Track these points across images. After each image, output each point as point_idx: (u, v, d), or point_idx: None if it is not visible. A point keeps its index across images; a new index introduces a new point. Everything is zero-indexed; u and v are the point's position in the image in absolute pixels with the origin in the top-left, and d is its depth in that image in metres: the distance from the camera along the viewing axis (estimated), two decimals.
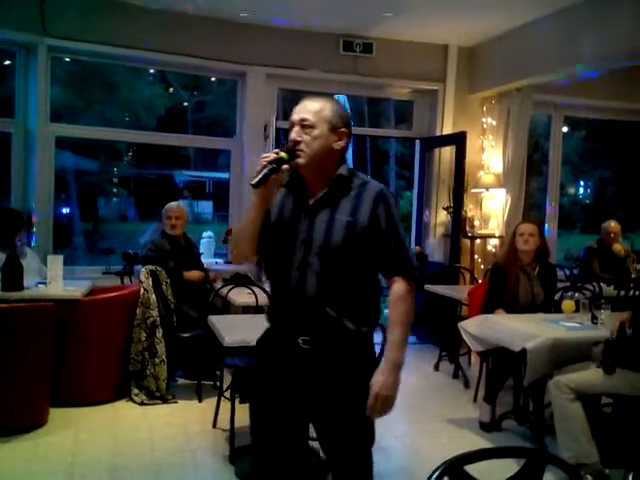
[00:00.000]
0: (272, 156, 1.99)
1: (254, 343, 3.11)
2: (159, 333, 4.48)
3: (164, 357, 4.48)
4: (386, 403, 1.99)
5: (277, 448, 2.10)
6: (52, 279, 4.32)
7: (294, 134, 2.04)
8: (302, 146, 2.02)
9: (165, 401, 4.46)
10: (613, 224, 6.18)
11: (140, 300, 4.48)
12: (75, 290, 4.34)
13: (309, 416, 2.11)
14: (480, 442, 3.91)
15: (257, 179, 1.97)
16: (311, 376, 2.03)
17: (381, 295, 2.14)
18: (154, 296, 4.52)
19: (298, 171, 2.07)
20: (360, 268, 2.04)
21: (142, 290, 4.49)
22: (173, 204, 5.18)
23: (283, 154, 2.00)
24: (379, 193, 2.05)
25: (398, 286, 2.04)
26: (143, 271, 4.59)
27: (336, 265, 2.00)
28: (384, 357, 2.04)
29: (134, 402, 4.41)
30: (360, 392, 2.00)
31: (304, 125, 2.03)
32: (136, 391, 4.46)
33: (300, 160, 2.03)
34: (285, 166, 2.01)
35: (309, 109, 2.05)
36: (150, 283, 4.53)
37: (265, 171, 1.97)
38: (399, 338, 2.02)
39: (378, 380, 1.99)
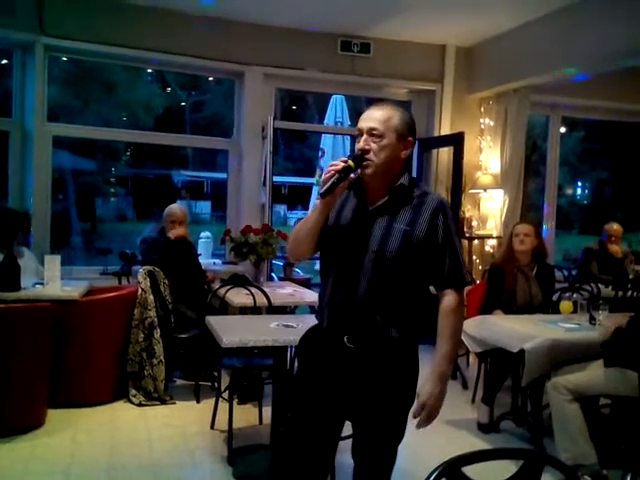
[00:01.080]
0: (340, 165, 2.02)
1: (252, 344, 3.13)
2: (157, 334, 4.47)
3: (162, 358, 4.48)
4: (432, 412, 2.06)
5: (312, 440, 2.15)
6: (49, 279, 4.31)
7: (362, 143, 2.07)
8: (370, 155, 2.05)
9: (163, 402, 4.45)
10: (615, 226, 6.18)
11: (138, 301, 4.47)
12: (73, 290, 4.33)
13: (347, 412, 2.16)
14: (478, 443, 3.91)
15: (325, 188, 2.02)
16: (353, 373, 2.08)
17: (429, 303, 2.17)
18: (152, 297, 4.51)
19: (363, 178, 2.10)
20: (412, 277, 2.08)
21: (140, 291, 4.49)
22: (175, 208, 5.09)
23: (351, 163, 2.03)
24: (438, 205, 2.08)
25: (449, 299, 2.08)
26: (141, 272, 4.57)
27: (388, 272, 2.04)
28: (432, 368, 2.08)
29: (132, 403, 4.41)
30: (398, 394, 2.08)
31: (373, 134, 2.05)
32: (134, 392, 4.45)
33: (368, 170, 2.06)
34: (352, 175, 2.05)
35: (377, 118, 2.07)
36: (148, 284, 4.53)
37: (333, 180, 2.01)
38: (448, 351, 2.08)
39: (426, 390, 2.05)
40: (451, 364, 2.10)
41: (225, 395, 3.92)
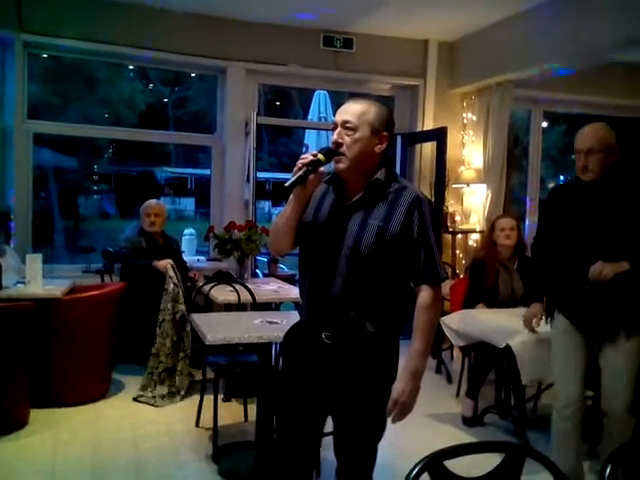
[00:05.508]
0: (309, 158, 2.02)
1: (236, 341, 3.13)
2: (188, 327, 4.44)
3: (189, 352, 4.46)
4: (404, 408, 2.05)
5: (298, 437, 2.19)
6: (31, 278, 4.28)
7: (336, 135, 2.07)
8: (343, 148, 2.04)
9: (182, 398, 4.43)
10: None
11: (170, 295, 4.45)
12: (55, 289, 4.30)
13: (328, 409, 2.17)
14: (463, 437, 3.93)
15: (291, 181, 2.01)
16: (332, 370, 2.09)
17: (407, 299, 2.16)
18: (182, 290, 4.51)
19: (338, 173, 2.10)
20: (387, 273, 2.07)
21: (172, 285, 4.47)
22: (152, 201, 5.18)
23: (321, 156, 2.02)
24: (414, 200, 2.06)
25: (424, 295, 2.08)
26: (169, 266, 4.58)
27: (363, 269, 2.03)
28: (405, 364, 2.08)
29: (147, 404, 4.38)
30: (376, 390, 2.08)
31: (346, 127, 2.05)
32: (152, 388, 4.43)
33: (341, 165, 2.06)
34: (322, 168, 2.04)
35: (352, 111, 2.06)
36: (179, 276, 4.55)
37: (300, 173, 2.01)
38: (421, 347, 2.07)
39: (397, 386, 2.05)
40: (424, 360, 2.08)
41: (210, 392, 3.91)
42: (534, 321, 3.33)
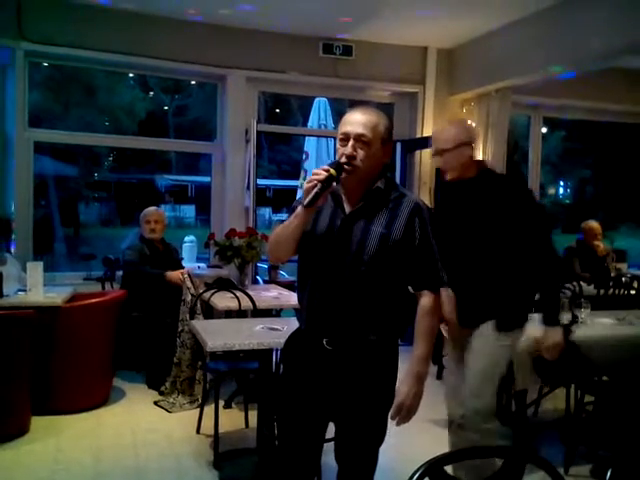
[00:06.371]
0: (323, 174, 2.00)
1: (237, 348, 3.13)
2: None
3: None
4: (409, 412, 2.08)
5: (299, 444, 2.19)
6: (32, 286, 4.28)
7: (350, 149, 2.04)
8: (357, 162, 2.04)
9: (200, 406, 4.38)
10: (591, 224, 6.25)
11: (189, 306, 4.48)
12: (56, 297, 4.30)
13: (330, 415, 2.18)
14: None
15: (309, 199, 2.00)
16: (333, 375, 2.10)
17: (408, 305, 2.17)
18: (199, 300, 4.54)
19: (342, 183, 2.09)
20: (389, 279, 2.08)
21: (189, 296, 4.51)
22: (151, 208, 5.20)
23: (333, 171, 2.01)
24: (415, 207, 2.08)
25: (425, 300, 2.10)
26: (186, 276, 4.62)
27: (366, 275, 2.04)
28: (408, 369, 2.10)
29: (164, 409, 4.40)
30: (377, 396, 2.10)
31: (361, 140, 2.04)
32: (175, 395, 4.47)
33: (351, 176, 2.05)
34: (334, 184, 2.03)
35: (365, 124, 2.04)
36: (196, 286, 4.59)
37: (316, 190, 2.00)
38: (423, 351, 2.09)
39: (402, 391, 2.07)
40: (427, 365, 2.11)
41: (211, 399, 3.91)
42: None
